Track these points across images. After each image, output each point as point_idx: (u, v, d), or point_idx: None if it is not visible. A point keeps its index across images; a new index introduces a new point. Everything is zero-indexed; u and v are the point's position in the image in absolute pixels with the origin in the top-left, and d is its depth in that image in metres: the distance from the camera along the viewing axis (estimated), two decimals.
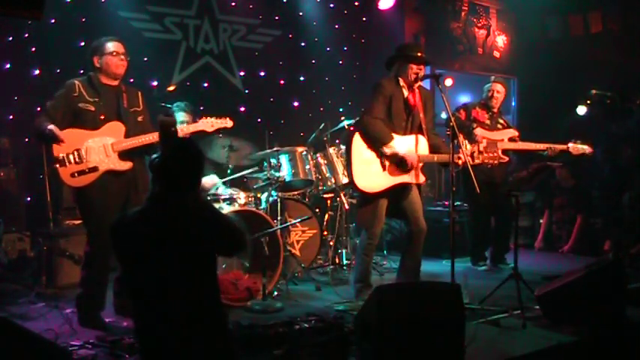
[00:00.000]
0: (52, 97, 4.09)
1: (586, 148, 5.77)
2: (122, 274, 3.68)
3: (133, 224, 2.74)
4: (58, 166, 3.96)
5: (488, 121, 5.96)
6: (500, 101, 6.04)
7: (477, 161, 4.69)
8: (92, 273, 4.06)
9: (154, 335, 2.72)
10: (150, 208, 2.76)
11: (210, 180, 5.46)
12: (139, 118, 4.24)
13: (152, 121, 4.34)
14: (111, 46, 4.13)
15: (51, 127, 3.90)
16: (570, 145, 5.76)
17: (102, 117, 4.08)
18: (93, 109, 4.06)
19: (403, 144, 4.63)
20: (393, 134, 4.60)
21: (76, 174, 3.97)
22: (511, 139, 5.84)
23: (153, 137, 4.10)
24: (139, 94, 4.34)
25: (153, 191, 2.80)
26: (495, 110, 6.02)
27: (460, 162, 4.42)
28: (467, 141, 5.40)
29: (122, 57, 4.15)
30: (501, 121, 6.06)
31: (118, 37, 4.25)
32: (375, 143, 4.60)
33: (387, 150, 4.58)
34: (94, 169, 4.00)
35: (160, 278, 2.69)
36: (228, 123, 4.44)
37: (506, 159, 5.88)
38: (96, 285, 4.07)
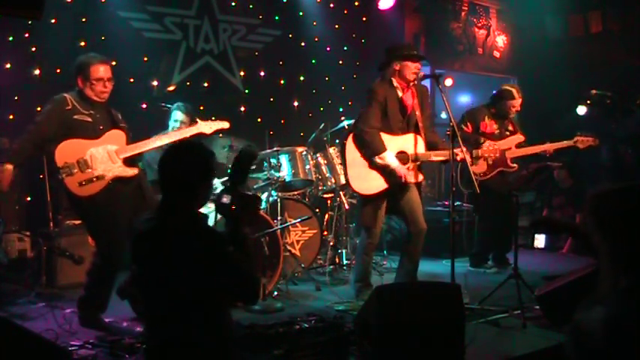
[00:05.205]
0: (40, 114, 3.98)
1: (591, 140, 5.74)
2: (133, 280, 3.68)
3: (145, 237, 2.60)
4: (64, 175, 3.86)
5: (497, 132, 5.84)
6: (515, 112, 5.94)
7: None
8: (97, 280, 4.03)
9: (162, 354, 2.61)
10: (159, 219, 2.61)
11: None
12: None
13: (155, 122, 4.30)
14: (96, 71, 3.95)
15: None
16: (577, 139, 5.73)
17: (101, 127, 4.03)
18: (90, 120, 3.99)
19: (400, 144, 4.65)
20: (391, 134, 4.62)
21: (83, 182, 3.88)
22: (518, 145, 5.79)
23: (160, 140, 4.08)
24: (117, 113, 4.24)
25: (162, 202, 2.64)
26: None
27: (459, 158, 4.42)
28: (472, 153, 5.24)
29: (107, 83, 4.01)
30: (510, 127, 5.93)
31: (105, 58, 4.08)
32: (368, 153, 4.61)
33: (379, 161, 4.58)
34: (101, 177, 3.92)
35: (167, 295, 2.55)
36: (225, 125, 4.47)
37: (515, 167, 5.83)
38: (100, 290, 4.04)
